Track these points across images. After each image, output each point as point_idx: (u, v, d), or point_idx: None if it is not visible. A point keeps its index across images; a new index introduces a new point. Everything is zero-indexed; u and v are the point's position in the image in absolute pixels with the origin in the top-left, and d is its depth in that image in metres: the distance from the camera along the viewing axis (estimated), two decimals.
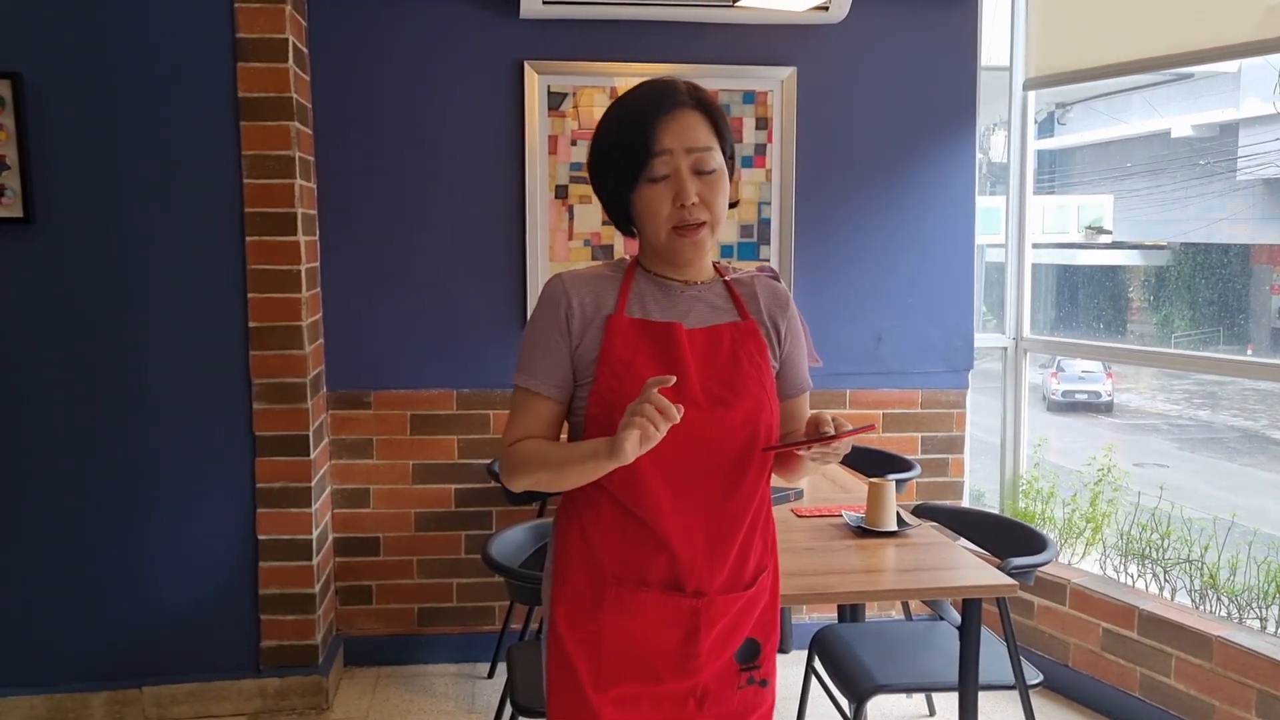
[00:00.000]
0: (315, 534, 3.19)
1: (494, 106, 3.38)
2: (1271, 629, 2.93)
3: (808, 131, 3.50)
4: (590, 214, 3.44)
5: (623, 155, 1.48)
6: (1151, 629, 3.02)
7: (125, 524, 3.08)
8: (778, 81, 3.45)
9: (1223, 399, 5.56)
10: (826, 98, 3.50)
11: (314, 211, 3.30)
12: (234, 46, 2.97)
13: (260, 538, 3.14)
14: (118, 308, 3.02)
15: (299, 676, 3.18)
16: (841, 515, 2.60)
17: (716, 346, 1.53)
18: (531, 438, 1.52)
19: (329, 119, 3.31)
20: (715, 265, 1.63)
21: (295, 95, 3.05)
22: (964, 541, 2.76)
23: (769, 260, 3.49)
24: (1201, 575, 3.12)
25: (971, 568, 2.27)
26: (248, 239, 3.04)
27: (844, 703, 2.61)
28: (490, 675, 3.44)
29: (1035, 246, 3.76)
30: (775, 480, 1.66)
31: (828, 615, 3.53)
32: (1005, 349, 3.76)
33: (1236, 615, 3.02)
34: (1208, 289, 4.44)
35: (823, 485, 2.94)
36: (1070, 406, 5.75)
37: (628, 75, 3.38)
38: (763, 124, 3.47)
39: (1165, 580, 3.23)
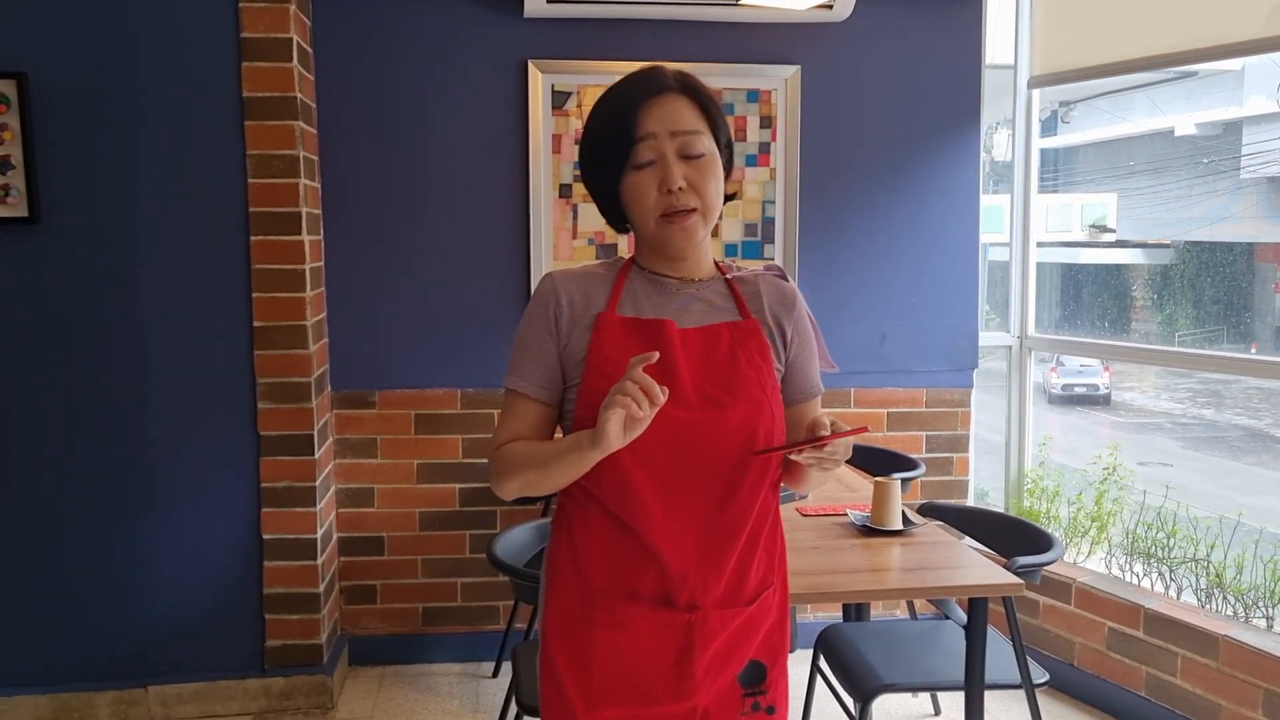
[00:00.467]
0: (320, 533, 3.19)
1: (498, 105, 3.38)
2: (1278, 628, 2.93)
3: (812, 130, 3.49)
4: (594, 213, 3.38)
5: (607, 144, 1.42)
6: (1157, 628, 3.01)
7: (130, 524, 3.09)
8: (782, 80, 3.45)
9: (1227, 398, 5.55)
10: (831, 96, 3.50)
11: (318, 211, 3.30)
12: (238, 46, 2.97)
13: (265, 537, 3.14)
14: (122, 307, 3.02)
15: (304, 676, 3.18)
16: (847, 514, 2.60)
17: (713, 346, 1.45)
18: (520, 440, 1.46)
19: (333, 118, 3.31)
20: (717, 264, 1.55)
21: (299, 95, 3.05)
22: (969, 540, 2.75)
23: (773, 259, 3.49)
24: (1207, 574, 3.12)
25: (977, 567, 2.27)
26: (252, 238, 3.04)
27: (849, 702, 2.61)
28: (495, 675, 3.44)
29: (1039, 245, 3.76)
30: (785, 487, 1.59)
31: (833, 614, 3.53)
32: (1010, 348, 3.75)
33: (1243, 614, 3.02)
34: (1211, 287, 4.43)
35: (829, 484, 2.93)
36: (1070, 400, 5.76)
37: None
38: (767, 123, 3.47)
39: (1171, 579, 3.23)
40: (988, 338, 3.73)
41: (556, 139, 3.40)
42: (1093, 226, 4.76)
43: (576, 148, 3.33)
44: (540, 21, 3.34)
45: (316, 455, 3.16)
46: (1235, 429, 5.40)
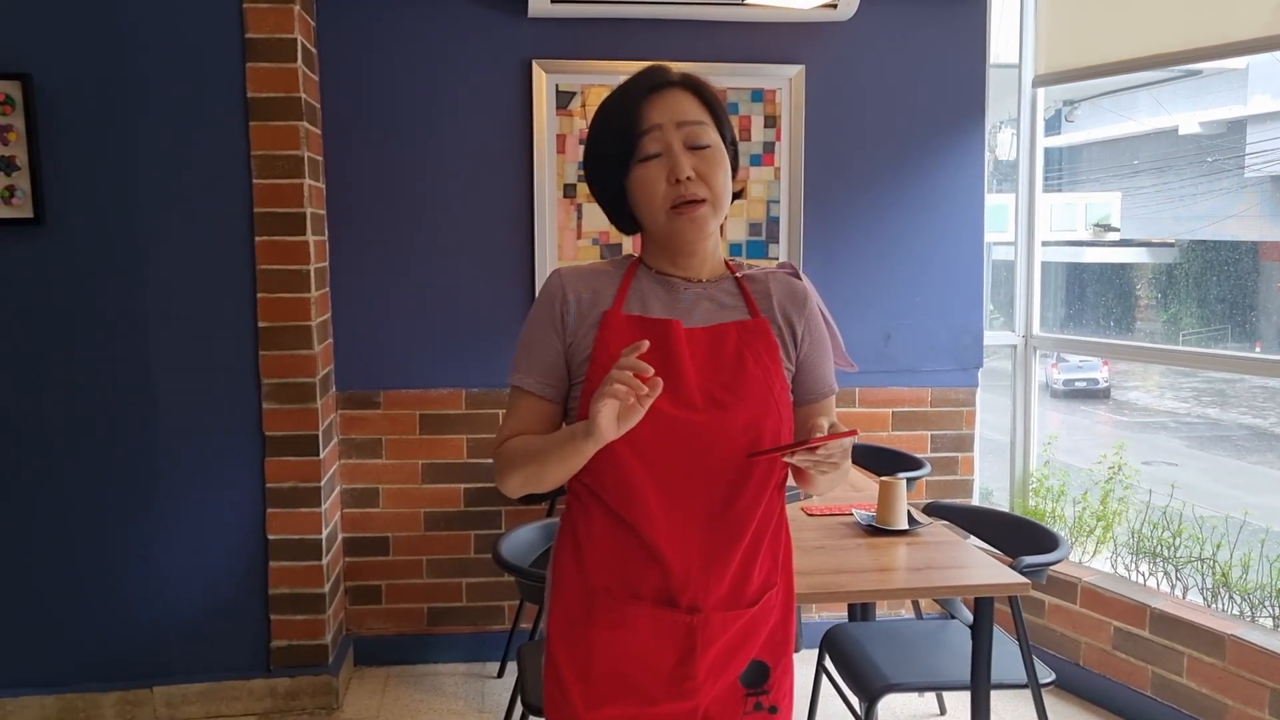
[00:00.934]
0: (325, 534, 3.19)
1: (502, 106, 3.38)
2: None
3: (816, 129, 3.49)
4: (599, 213, 3.39)
5: (613, 140, 1.41)
6: (1163, 628, 3.01)
7: (135, 524, 3.09)
8: (786, 79, 3.45)
9: (1231, 396, 5.54)
10: (835, 96, 3.50)
11: (323, 211, 3.30)
12: (243, 46, 2.98)
13: (270, 537, 3.14)
14: (127, 308, 3.02)
15: (309, 676, 3.18)
16: (852, 513, 2.60)
17: (720, 346, 1.43)
18: (521, 436, 1.45)
19: (337, 119, 3.31)
20: (727, 262, 1.54)
21: (304, 95, 3.05)
22: (974, 540, 2.75)
23: (778, 258, 3.49)
24: (1213, 574, 3.11)
25: (984, 566, 2.27)
26: (257, 239, 3.04)
27: (855, 701, 2.61)
28: (500, 675, 3.44)
29: (1043, 245, 3.75)
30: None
31: (838, 614, 3.52)
32: (1015, 347, 3.75)
33: (1249, 614, 3.01)
34: (1216, 286, 4.43)
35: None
36: (1071, 395, 5.77)
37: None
38: (771, 122, 3.46)
39: (1177, 579, 3.22)
40: (992, 337, 3.72)
41: (561, 139, 3.40)
42: (1097, 225, 4.75)
43: (581, 148, 3.37)
44: (544, 21, 3.34)
45: (321, 455, 3.16)
46: (1240, 428, 5.40)
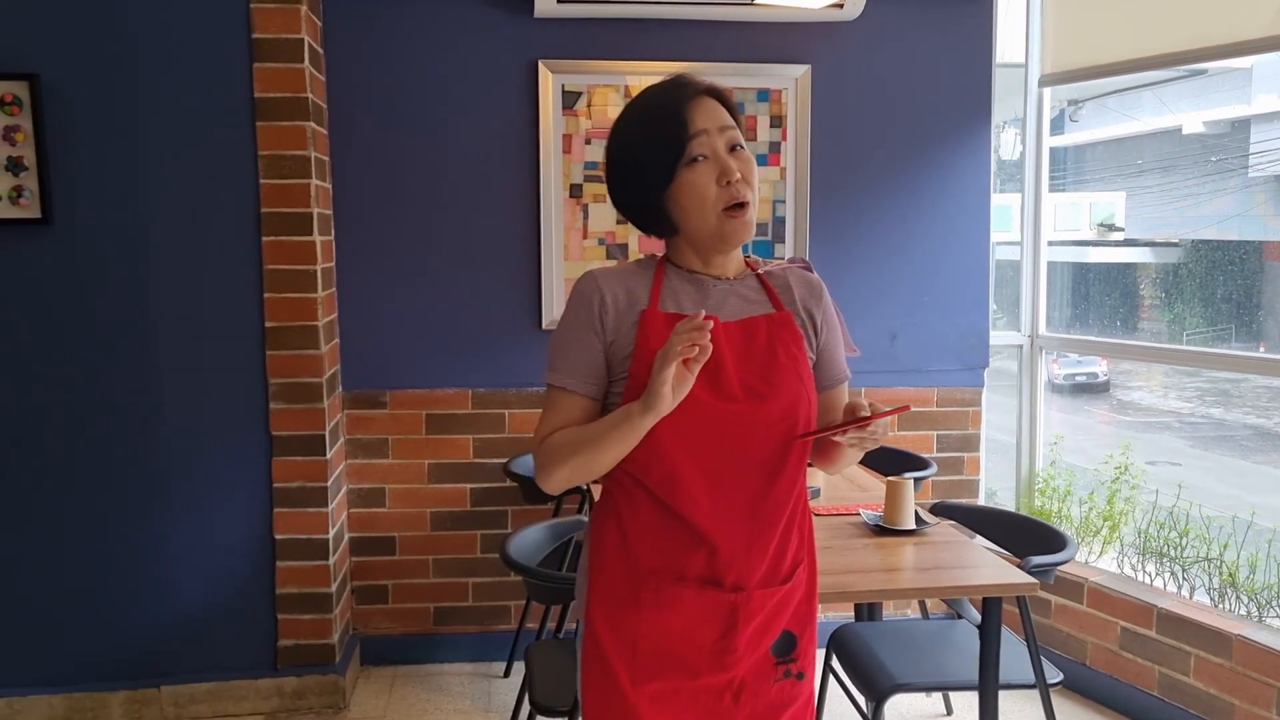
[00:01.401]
0: (331, 533, 3.19)
1: (508, 106, 3.38)
2: None
3: (822, 129, 3.49)
4: (605, 213, 3.44)
5: (657, 146, 1.46)
6: (1170, 628, 3.01)
7: (142, 524, 3.09)
8: (792, 79, 3.45)
9: (1235, 396, 5.53)
10: (841, 95, 3.50)
11: (329, 211, 3.30)
12: (250, 47, 2.98)
13: (277, 537, 3.15)
14: (134, 308, 3.03)
15: (316, 676, 3.19)
16: (859, 514, 2.60)
17: (752, 339, 1.50)
18: (566, 429, 1.49)
19: (344, 119, 3.32)
20: (746, 259, 1.61)
21: (311, 95, 3.05)
22: (981, 540, 2.75)
23: (784, 258, 3.49)
24: (1220, 574, 3.11)
25: (992, 566, 2.27)
26: (264, 239, 3.05)
27: (862, 701, 2.61)
28: (506, 674, 3.45)
29: (1048, 244, 3.75)
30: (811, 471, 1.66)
31: (844, 614, 3.52)
32: (1021, 347, 3.75)
33: (1256, 614, 3.01)
34: (1220, 286, 4.43)
35: (840, 484, 2.93)
36: (1071, 389, 5.78)
37: (642, 74, 3.37)
38: (777, 122, 3.47)
39: (1184, 579, 3.22)
40: (998, 337, 3.72)
41: (567, 139, 3.40)
42: (1101, 225, 4.75)
43: (588, 148, 3.39)
44: (551, 21, 3.35)
45: (328, 455, 3.16)
46: (1244, 428, 5.39)
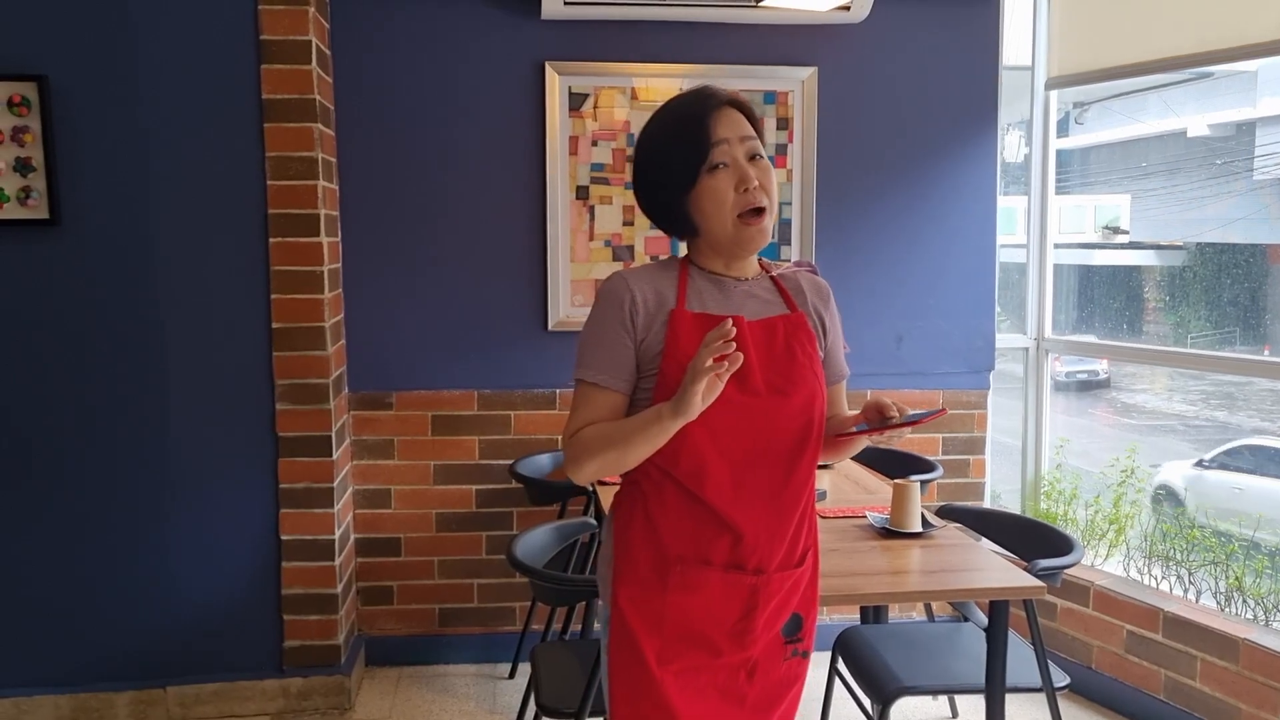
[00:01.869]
0: (337, 534, 3.19)
1: (515, 107, 3.39)
2: None
3: (828, 132, 3.49)
4: (611, 215, 3.44)
5: (680, 153, 1.55)
6: (1176, 631, 3.00)
7: (149, 525, 3.10)
8: (798, 82, 3.45)
9: (1240, 400, 5.52)
10: (847, 98, 3.50)
11: (336, 213, 3.31)
12: (258, 48, 2.98)
13: (283, 538, 3.15)
14: (142, 308, 3.03)
15: (321, 677, 3.19)
16: (866, 516, 2.60)
17: (772, 338, 1.60)
18: (596, 425, 1.57)
19: (351, 121, 3.32)
20: (760, 262, 1.70)
21: (318, 97, 3.05)
22: (987, 542, 2.75)
23: (789, 260, 3.49)
24: (1227, 577, 3.11)
25: (998, 569, 2.26)
26: (271, 240, 3.05)
27: (868, 704, 2.61)
28: (511, 676, 3.45)
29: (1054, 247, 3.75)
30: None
31: (850, 616, 3.52)
32: (1027, 349, 3.75)
33: (1263, 618, 3.01)
34: (1225, 289, 4.42)
35: (846, 486, 2.94)
36: (1073, 386, 5.78)
37: (648, 76, 3.38)
38: (783, 124, 3.47)
39: (1190, 582, 3.22)
40: (1003, 340, 3.72)
41: (573, 140, 3.40)
42: (1106, 228, 4.75)
43: (594, 149, 3.39)
44: (557, 23, 3.35)
45: (334, 456, 3.17)
46: (1248, 432, 5.37)
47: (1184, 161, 4.84)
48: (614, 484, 2.10)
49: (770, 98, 3.45)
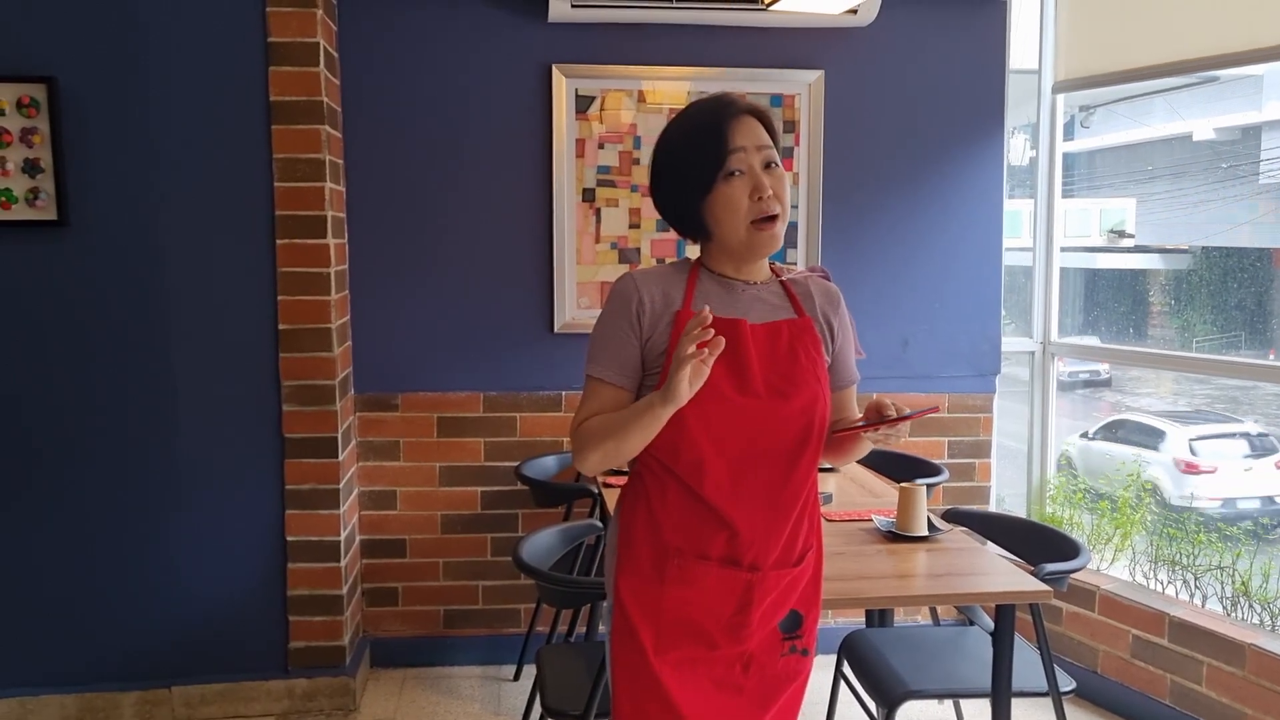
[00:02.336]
0: (343, 535, 3.20)
1: (521, 110, 3.39)
2: None
3: (835, 135, 3.50)
4: (617, 217, 3.44)
5: (698, 159, 1.58)
6: (1182, 636, 3.00)
7: (155, 525, 3.10)
8: (805, 85, 3.45)
9: (1245, 404, 5.51)
10: (854, 101, 3.50)
11: (343, 214, 3.31)
12: (266, 50, 2.99)
13: (289, 539, 3.15)
14: (149, 309, 3.04)
15: (326, 678, 3.19)
16: (872, 520, 2.59)
17: (776, 342, 1.63)
18: (598, 416, 1.62)
19: (358, 123, 3.33)
20: (771, 266, 1.73)
21: (326, 99, 3.06)
22: (992, 546, 2.75)
23: (796, 264, 3.49)
24: (1233, 582, 3.10)
25: (1005, 574, 2.26)
26: (278, 241, 3.06)
27: (873, 707, 2.61)
28: (516, 678, 3.45)
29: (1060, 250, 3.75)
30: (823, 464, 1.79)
31: (855, 619, 3.52)
32: (1032, 353, 3.74)
33: (1269, 623, 3.00)
34: (1230, 293, 4.41)
35: (852, 490, 2.93)
36: (1074, 385, 5.78)
37: (655, 79, 3.38)
38: (790, 127, 3.47)
39: (1196, 587, 3.21)
40: (1009, 343, 3.72)
41: (580, 143, 3.41)
42: (1111, 231, 4.74)
43: (601, 152, 3.39)
44: (564, 26, 3.35)
45: (340, 458, 3.17)
46: (1255, 437, 5.36)
47: (1190, 165, 4.83)
48: (618, 485, 2.10)
49: (777, 101, 3.45)
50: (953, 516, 2.80)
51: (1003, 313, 3.76)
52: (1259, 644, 2.81)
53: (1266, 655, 2.78)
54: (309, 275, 3.08)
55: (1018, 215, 3.87)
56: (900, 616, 3.56)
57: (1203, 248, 4.59)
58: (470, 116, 3.38)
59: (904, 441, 1.91)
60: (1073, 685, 2.51)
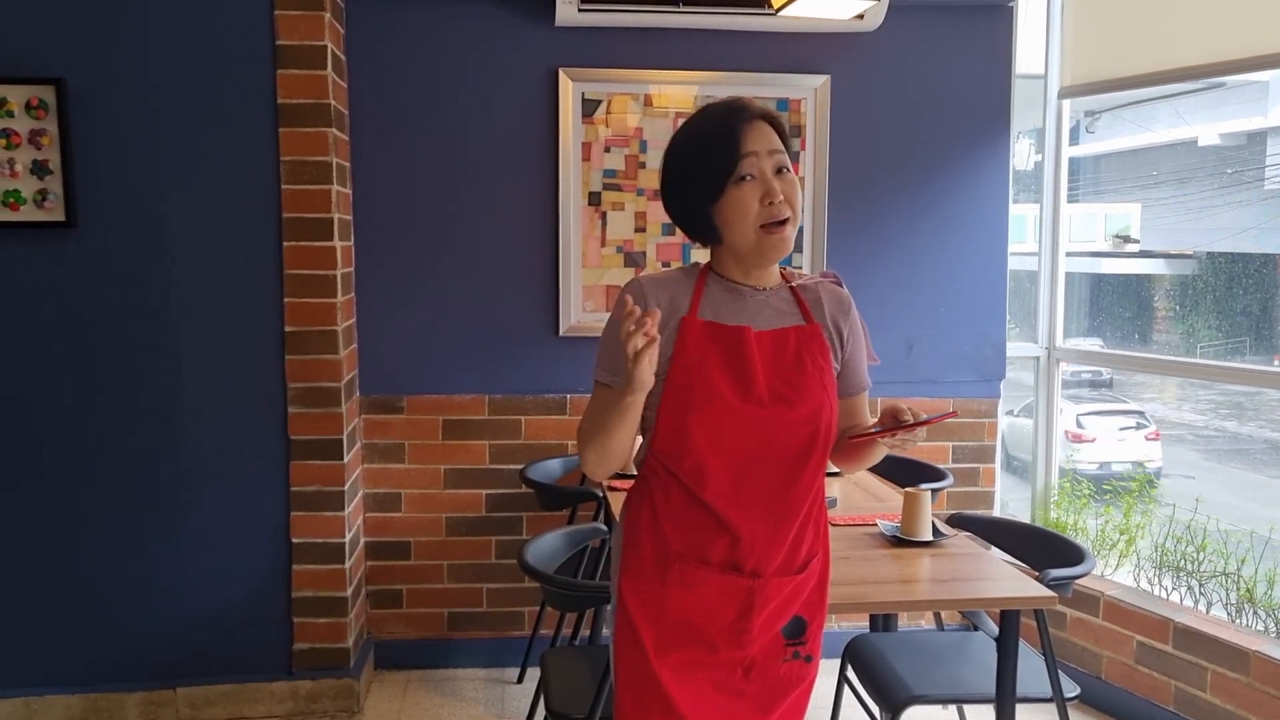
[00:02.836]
0: (348, 537, 3.20)
1: (528, 113, 3.40)
2: None
3: (841, 139, 3.50)
4: (623, 221, 3.45)
5: (709, 163, 1.58)
6: (1186, 642, 3.00)
7: (161, 526, 3.11)
8: (811, 89, 3.46)
9: (1249, 409, 5.51)
10: (860, 106, 3.50)
11: (349, 217, 3.32)
12: (274, 53, 3.00)
13: (294, 541, 3.16)
14: (156, 311, 3.05)
15: (331, 679, 3.20)
16: (877, 524, 2.59)
17: (782, 349, 1.63)
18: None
19: (365, 125, 3.33)
20: (782, 272, 1.72)
21: (333, 101, 3.07)
22: (997, 551, 2.75)
23: (801, 267, 3.50)
24: (1238, 589, 3.10)
25: (1009, 579, 2.26)
26: (285, 244, 3.07)
27: (877, 712, 2.61)
28: (520, 680, 3.45)
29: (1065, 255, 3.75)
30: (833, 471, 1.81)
31: (859, 624, 3.52)
32: (1037, 358, 3.74)
33: (1274, 630, 3.00)
34: (1235, 299, 4.41)
35: (857, 495, 2.94)
36: (1076, 385, 5.78)
37: (662, 83, 3.39)
38: (796, 132, 3.47)
39: (1200, 593, 3.21)
40: (1014, 348, 3.72)
41: (586, 147, 3.41)
42: (1116, 236, 4.74)
43: (607, 155, 3.39)
44: (571, 30, 3.36)
45: (345, 460, 3.18)
46: (1258, 442, 5.36)
47: (1195, 170, 4.83)
48: (624, 489, 2.10)
49: (783, 105, 3.46)
50: (958, 521, 2.80)
51: (1008, 318, 3.76)
52: (1263, 651, 2.81)
53: (1271, 662, 2.78)
54: (315, 278, 3.09)
55: (1023, 220, 3.87)
56: (904, 621, 3.56)
57: (1208, 253, 4.59)
58: (476, 120, 3.38)
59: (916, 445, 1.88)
60: (1077, 691, 2.51)
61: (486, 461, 3.48)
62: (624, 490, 1.78)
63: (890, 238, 3.57)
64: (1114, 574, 3.43)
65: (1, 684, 3.07)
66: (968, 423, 3.64)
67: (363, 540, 3.45)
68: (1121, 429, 5.06)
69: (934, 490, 2.99)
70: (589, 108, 3.40)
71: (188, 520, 3.12)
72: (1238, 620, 3.08)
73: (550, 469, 3.37)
